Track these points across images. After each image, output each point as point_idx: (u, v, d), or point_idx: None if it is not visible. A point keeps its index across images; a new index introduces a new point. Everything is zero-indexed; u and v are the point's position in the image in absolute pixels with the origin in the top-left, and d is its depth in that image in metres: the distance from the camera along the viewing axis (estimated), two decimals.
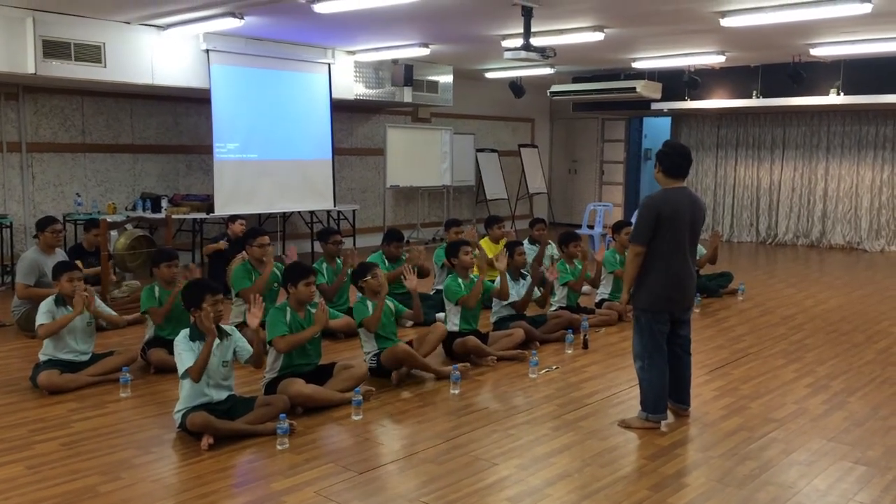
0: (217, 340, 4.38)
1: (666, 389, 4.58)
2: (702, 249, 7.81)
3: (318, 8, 7.37)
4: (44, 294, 5.68)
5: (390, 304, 5.58)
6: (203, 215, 9.66)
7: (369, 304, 5.44)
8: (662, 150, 4.56)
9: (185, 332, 4.42)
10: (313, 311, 4.99)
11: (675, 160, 4.50)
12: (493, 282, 6.34)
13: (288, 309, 4.93)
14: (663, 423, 4.57)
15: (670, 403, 4.67)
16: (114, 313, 5.64)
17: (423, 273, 7.19)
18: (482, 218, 9.36)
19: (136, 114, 10.15)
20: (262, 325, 4.76)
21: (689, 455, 4.23)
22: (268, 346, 4.88)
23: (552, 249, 8.23)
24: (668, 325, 4.56)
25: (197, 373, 4.25)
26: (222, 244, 7.80)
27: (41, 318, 5.18)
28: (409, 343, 5.59)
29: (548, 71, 12.22)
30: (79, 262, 5.78)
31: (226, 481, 3.84)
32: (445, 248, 6.80)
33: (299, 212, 11.24)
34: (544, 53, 8.00)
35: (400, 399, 5.08)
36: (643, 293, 4.50)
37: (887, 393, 5.29)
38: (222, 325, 4.50)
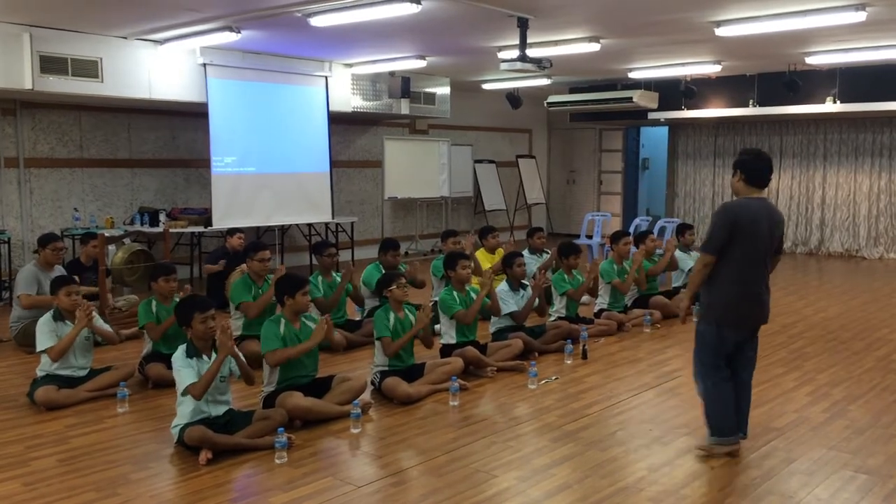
0: (214, 356, 4.36)
1: (730, 410, 4.25)
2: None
3: (315, 21, 7.40)
4: (48, 301, 5.63)
5: (412, 317, 5.50)
6: (201, 229, 9.65)
7: (391, 315, 5.40)
8: (742, 157, 4.23)
9: (182, 349, 4.40)
10: (310, 323, 4.97)
11: (756, 167, 4.18)
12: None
13: (283, 320, 4.91)
14: (731, 445, 4.26)
15: None
16: (110, 329, 5.61)
17: (417, 285, 7.20)
18: (480, 229, 9.40)
19: (134, 128, 10.17)
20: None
21: (690, 465, 4.20)
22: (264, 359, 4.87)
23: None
24: (732, 344, 4.23)
25: (200, 391, 4.23)
26: (221, 265, 7.80)
27: (45, 341, 5.13)
28: (422, 365, 5.55)
29: (544, 82, 12.25)
30: (76, 278, 5.77)
31: (224, 496, 3.82)
32: (444, 259, 6.78)
33: (297, 225, 11.24)
34: (541, 64, 8.04)
35: (399, 411, 5.05)
36: (711, 306, 4.19)
37: (888, 401, 5.28)
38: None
